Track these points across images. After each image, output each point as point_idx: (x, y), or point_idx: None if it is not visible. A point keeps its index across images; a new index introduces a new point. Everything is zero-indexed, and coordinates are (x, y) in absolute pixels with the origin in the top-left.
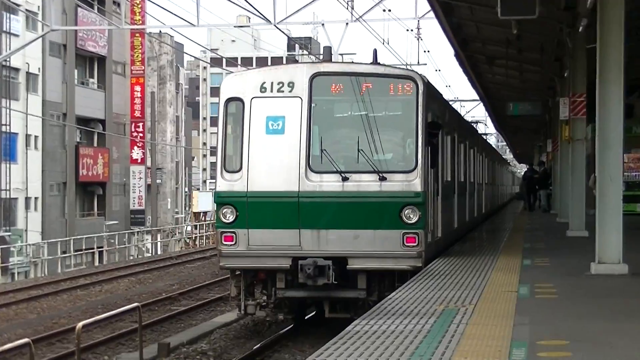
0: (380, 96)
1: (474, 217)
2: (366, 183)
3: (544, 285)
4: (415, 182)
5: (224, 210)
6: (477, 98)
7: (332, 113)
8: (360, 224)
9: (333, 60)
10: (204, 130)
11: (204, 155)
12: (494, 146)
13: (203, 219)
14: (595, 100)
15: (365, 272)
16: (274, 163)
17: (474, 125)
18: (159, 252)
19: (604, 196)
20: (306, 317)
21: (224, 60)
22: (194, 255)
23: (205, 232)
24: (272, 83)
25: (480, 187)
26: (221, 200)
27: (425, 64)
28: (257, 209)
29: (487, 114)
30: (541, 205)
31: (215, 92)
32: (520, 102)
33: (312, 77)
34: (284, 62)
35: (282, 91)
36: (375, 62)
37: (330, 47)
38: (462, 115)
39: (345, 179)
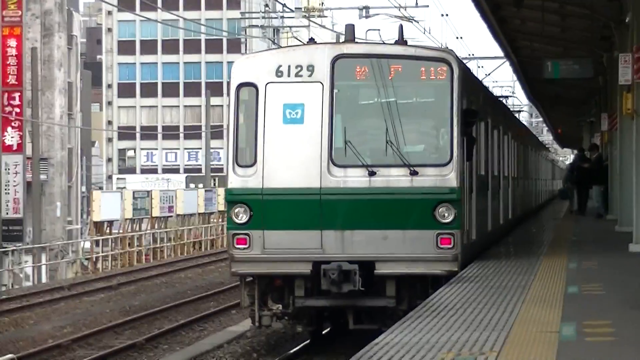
0: (410, 81)
1: (508, 220)
2: (395, 178)
3: (597, 322)
4: (450, 177)
5: (237, 209)
6: (501, 55)
7: (356, 100)
8: (389, 223)
9: (356, 39)
10: (109, 103)
11: (109, 140)
12: (526, 125)
13: (108, 231)
14: None
15: (395, 278)
16: (292, 156)
17: (507, 104)
18: (44, 280)
19: None
20: (323, 332)
21: (138, 1)
22: (95, 284)
23: (112, 251)
24: (289, 66)
25: (515, 183)
26: (233, 198)
27: (427, 6)
28: (273, 208)
29: (514, 78)
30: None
31: (125, 47)
32: (562, 60)
33: (335, 60)
34: (225, 4)
35: (301, 75)
36: (401, 40)
37: (353, 25)
38: (482, 80)
39: (372, 174)
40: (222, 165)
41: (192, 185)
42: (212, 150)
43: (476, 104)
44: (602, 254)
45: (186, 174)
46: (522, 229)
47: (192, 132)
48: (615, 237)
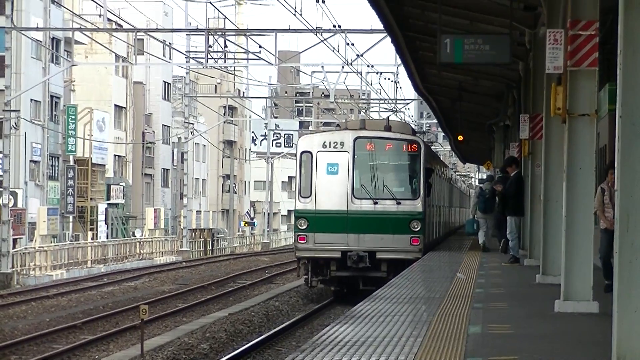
0: (397, 152)
1: (440, 233)
2: (388, 205)
3: None
4: (418, 205)
5: (300, 221)
6: (381, 28)
7: (367, 162)
8: (384, 230)
9: (367, 124)
10: None
11: None
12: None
13: None
14: (616, 37)
15: (386, 261)
16: (331, 192)
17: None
18: None
19: (632, 234)
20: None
21: None
22: None
23: None
24: (330, 142)
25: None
26: (299, 214)
27: None
28: (320, 220)
29: (399, 61)
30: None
31: None
32: (467, 37)
33: (355, 139)
34: None
35: (337, 147)
36: (388, 127)
37: (365, 120)
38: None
39: (375, 203)
40: None
41: None
42: None
43: (432, 163)
44: (518, 315)
45: None
46: (404, 280)
47: None
48: (536, 290)
